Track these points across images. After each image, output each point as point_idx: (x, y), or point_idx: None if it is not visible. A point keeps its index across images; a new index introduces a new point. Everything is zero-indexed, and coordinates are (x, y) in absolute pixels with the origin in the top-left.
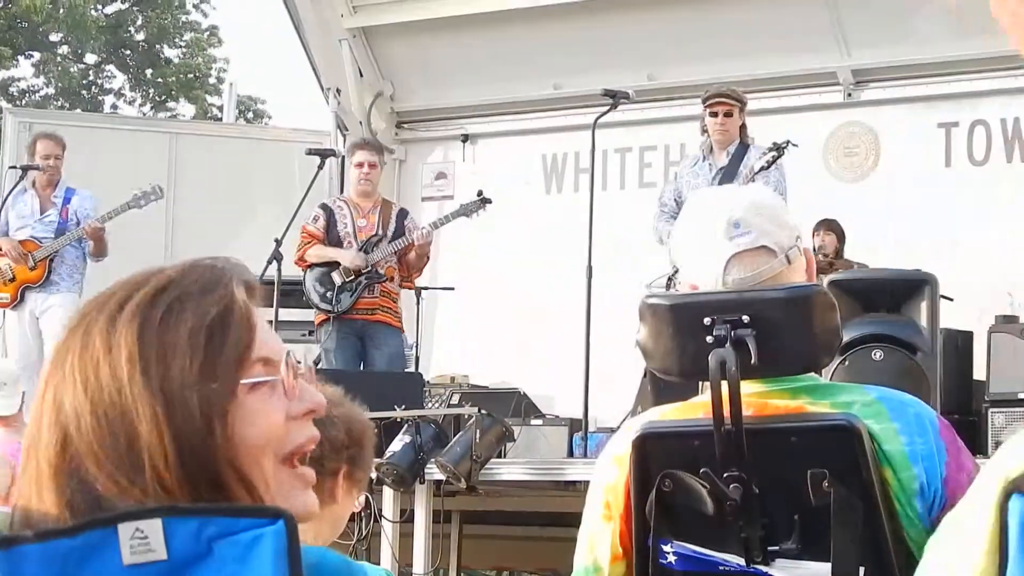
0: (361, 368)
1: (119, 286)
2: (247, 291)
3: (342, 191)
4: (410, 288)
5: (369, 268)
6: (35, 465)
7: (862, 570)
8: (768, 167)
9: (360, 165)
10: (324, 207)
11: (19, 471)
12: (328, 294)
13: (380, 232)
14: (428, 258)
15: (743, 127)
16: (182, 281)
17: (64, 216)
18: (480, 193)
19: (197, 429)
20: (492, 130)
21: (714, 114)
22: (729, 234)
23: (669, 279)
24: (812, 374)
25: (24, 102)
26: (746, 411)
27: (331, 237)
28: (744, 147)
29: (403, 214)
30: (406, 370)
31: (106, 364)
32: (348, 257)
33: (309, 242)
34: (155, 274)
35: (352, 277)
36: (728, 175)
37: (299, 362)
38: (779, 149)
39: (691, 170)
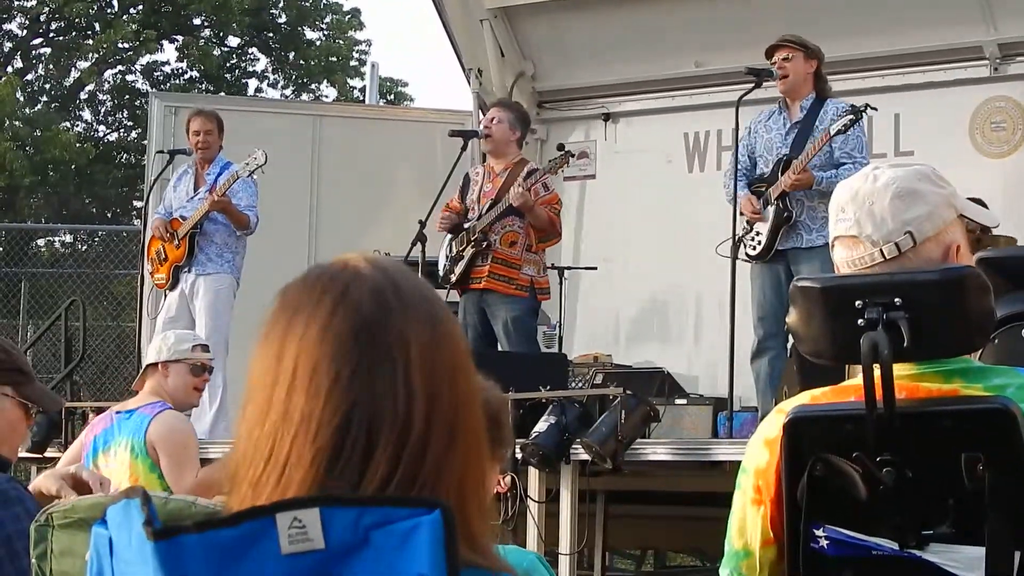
0: (495, 341)
1: (385, 273)
2: None
3: None
4: (536, 251)
5: (476, 236)
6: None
7: (1017, 555)
8: (845, 131)
9: (487, 123)
10: (465, 176)
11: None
12: (447, 265)
13: (499, 196)
14: (550, 222)
15: (818, 78)
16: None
17: (212, 191)
18: (561, 147)
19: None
20: (634, 108)
21: (774, 62)
22: (837, 216)
23: (738, 240)
24: (965, 356)
25: (168, 86)
26: (898, 394)
27: (465, 206)
28: (820, 102)
29: (530, 174)
30: (550, 350)
31: (461, 374)
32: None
33: (444, 216)
34: (397, 270)
35: (463, 246)
36: (804, 132)
37: None
38: (857, 112)
39: (765, 124)
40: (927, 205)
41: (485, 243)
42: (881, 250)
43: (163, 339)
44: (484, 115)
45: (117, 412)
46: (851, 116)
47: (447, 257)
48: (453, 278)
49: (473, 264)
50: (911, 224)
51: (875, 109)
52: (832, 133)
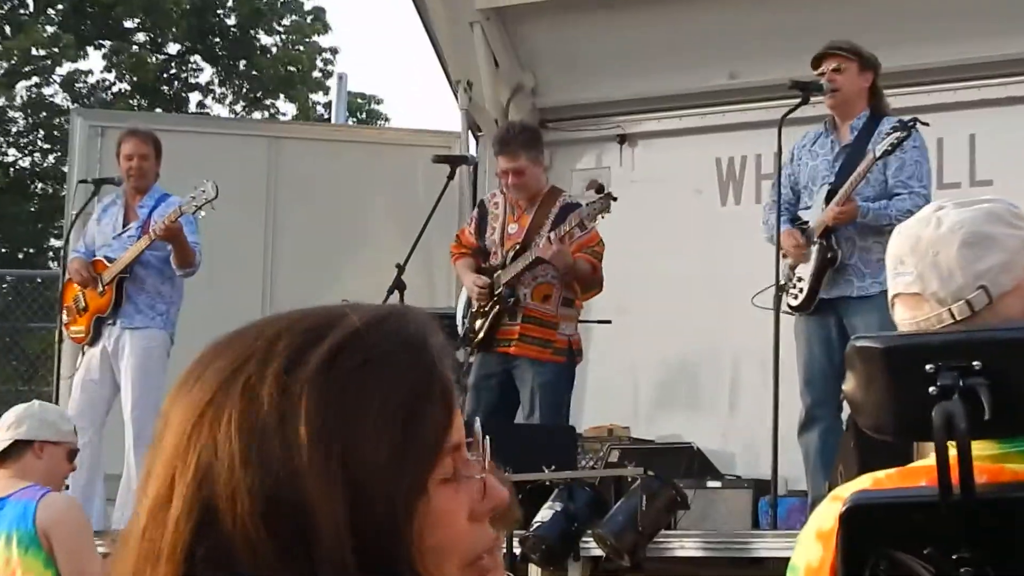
0: (518, 409)
1: (284, 328)
2: (443, 357)
3: (474, 201)
4: (576, 306)
5: (500, 290)
6: (152, 538)
7: None
8: (892, 151)
9: (504, 174)
10: (480, 205)
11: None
12: (466, 320)
13: (527, 239)
14: (592, 270)
15: (874, 93)
16: (371, 336)
17: (146, 228)
18: (601, 189)
19: (382, 528)
20: (655, 129)
21: (822, 73)
22: (895, 269)
23: (780, 288)
24: None
25: (93, 101)
26: (978, 477)
27: (481, 245)
28: (875, 120)
29: (568, 209)
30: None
31: (277, 436)
32: (468, 282)
33: (457, 254)
34: (335, 319)
35: (485, 300)
36: (853, 157)
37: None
38: (905, 128)
39: (810, 149)
40: (1003, 252)
41: (512, 299)
42: (950, 310)
43: (41, 412)
44: (474, 139)
45: None
46: (898, 134)
47: (466, 309)
48: (475, 338)
49: (499, 324)
50: (984, 277)
51: (926, 124)
52: (877, 155)
